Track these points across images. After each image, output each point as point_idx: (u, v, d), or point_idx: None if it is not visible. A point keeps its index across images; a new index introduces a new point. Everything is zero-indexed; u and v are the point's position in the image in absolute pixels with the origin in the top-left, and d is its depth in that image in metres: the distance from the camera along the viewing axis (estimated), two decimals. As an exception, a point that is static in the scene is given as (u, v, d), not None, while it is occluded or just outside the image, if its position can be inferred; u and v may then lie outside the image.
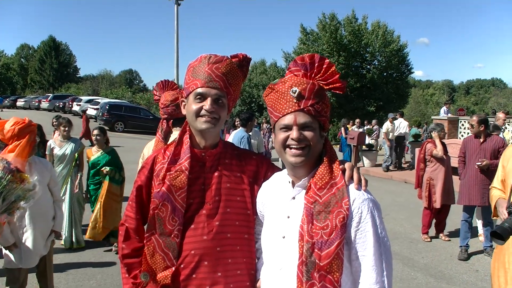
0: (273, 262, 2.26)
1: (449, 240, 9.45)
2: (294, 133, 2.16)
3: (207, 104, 2.41)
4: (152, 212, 2.41)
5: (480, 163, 8.25)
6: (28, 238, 5.05)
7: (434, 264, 8.13)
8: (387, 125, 19.94)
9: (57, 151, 8.41)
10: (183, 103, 2.58)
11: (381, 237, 2.09)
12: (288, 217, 2.24)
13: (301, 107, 2.17)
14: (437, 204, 9.23)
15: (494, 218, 4.87)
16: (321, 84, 2.23)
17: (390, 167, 19.93)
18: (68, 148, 8.48)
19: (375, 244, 2.05)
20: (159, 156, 2.58)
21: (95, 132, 8.59)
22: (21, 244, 4.98)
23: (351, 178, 2.20)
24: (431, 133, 9.53)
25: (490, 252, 8.36)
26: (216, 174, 2.52)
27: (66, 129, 8.52)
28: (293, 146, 2.18)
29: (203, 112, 2.42)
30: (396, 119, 20.79)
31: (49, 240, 5.38)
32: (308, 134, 2.17)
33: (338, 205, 2.06)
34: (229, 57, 2.56)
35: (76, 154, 8.53)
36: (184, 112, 2.57)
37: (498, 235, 3.43)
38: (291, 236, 2.17)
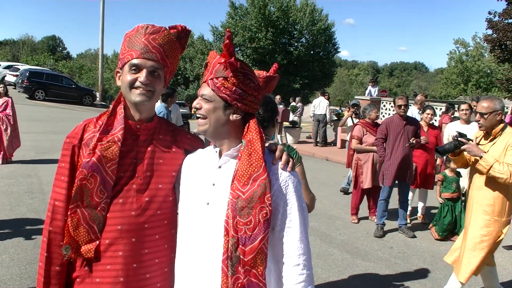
0: (194, 228, 2.25)
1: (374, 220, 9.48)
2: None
3: (142, 75, 2.32)
4: (79, 182, 2.28)
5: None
6: None
7: (351, 240, 8.35)
8: None
9: None
10: (118, 74, 2.46)
11: (304, 209, 2.20)
12: (214, 184, 2.24)
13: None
14: (365, 185, 9.28)
15: None
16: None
17: (313, 145, 20.27)
18: None
19: (300, 216, 2.16)
20: (90, 125, 2.44)
21: None
22: None
23: (280, 158, 2.25)
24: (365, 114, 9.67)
25: (405, 230, 8.71)
26: (149, 148, 2.43)
27: None
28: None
29: (137, 84, 2.33)
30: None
31: None
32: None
33: (260, 201, 2.07)
34: (167, 28, 2.47)
35: None
36: (118, 83, 2.46)
37: (438, 151, 5.52)
38: (216, 203, 2.19)
